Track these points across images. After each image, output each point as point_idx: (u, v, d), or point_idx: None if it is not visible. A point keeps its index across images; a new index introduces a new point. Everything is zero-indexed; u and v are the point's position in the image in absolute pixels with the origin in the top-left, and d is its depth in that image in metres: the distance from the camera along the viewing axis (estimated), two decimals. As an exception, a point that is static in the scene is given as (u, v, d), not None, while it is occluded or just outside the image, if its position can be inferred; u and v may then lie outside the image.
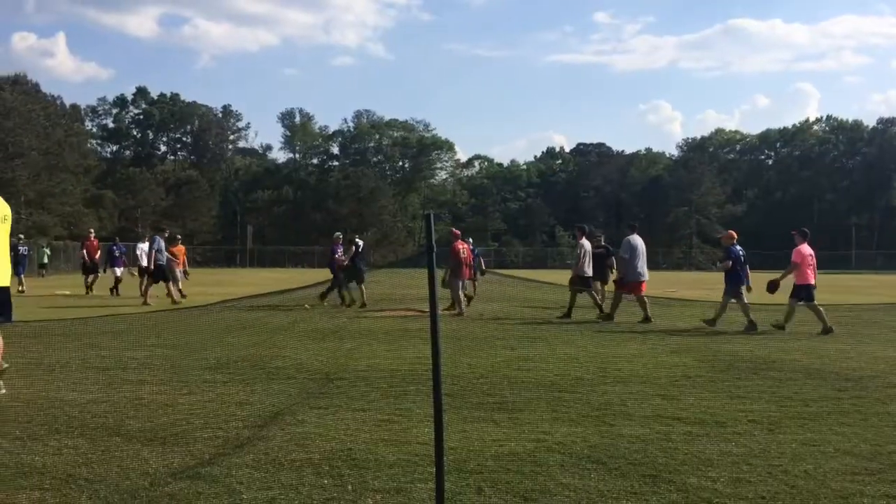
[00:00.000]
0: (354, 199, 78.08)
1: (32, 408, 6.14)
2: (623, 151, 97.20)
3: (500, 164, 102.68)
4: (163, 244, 18.59)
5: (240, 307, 16.27)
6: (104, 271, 22.72)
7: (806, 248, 13.19)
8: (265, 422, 5.74)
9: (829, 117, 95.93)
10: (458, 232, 17.08)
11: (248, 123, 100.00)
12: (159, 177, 77.84)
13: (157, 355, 9.19)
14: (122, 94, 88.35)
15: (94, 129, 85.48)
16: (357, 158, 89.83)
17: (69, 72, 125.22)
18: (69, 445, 4.99)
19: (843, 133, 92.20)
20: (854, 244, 77.32)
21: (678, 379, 7.76)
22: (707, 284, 32.95)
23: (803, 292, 12.88)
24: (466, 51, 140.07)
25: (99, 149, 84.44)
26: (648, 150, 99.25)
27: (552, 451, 4.94)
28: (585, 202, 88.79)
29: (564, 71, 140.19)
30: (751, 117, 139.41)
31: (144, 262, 19.76)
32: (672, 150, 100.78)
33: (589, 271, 15.52)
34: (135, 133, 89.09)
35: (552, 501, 4.01)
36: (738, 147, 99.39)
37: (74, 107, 74.95)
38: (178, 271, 19.26)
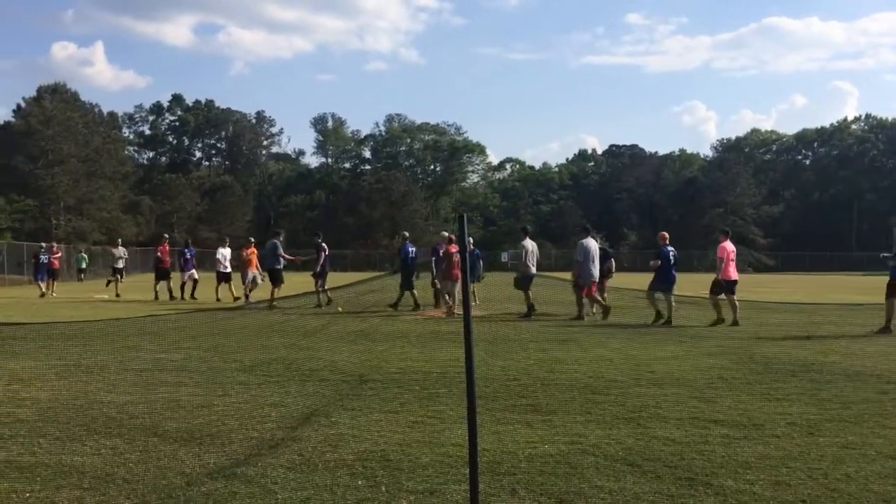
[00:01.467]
0: (386, 202, 78.46)
1: (71, 409, 6.25)
2: (657, 153, 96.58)
3: (532, 167, 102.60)
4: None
5: (282, 308, 16.46)
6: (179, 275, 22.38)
7: (729, 245, 14.06)
8: (299, 423, 5.77)
9: (868, 116, 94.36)
10: (453, 236, 16.80)
11: (282, 129, 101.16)
12: (195, 182, 79.05)
13: (193, 357, 9.30)
14: (158, 102, 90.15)
15: (132, 136, 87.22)
16: (389, 162, 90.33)
17: (108, 80, 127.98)
18: (107, 445, 5.06)
19: (882, 132, 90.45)
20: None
21: (714, 381, 7.64)
22: (742, 286, 32.53)
23: (725, 286, 13.69)
24: (498, 54, 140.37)
25: (136, 155, 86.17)
26: (682, 151, 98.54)
27: (586, 453, 4.89)
28: (618, 204, 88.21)
29: (597, 73, 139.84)
30: (788, 117, 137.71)
31: (224, 268, 20.66)
32: (707, 151, 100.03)
33: (533, 271, 16.10)
34: (171, 139, 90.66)
35: (587, 504, 3.97)
36: (774, 147, 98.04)
37: (112, 114, 76.48)
38: (254, 273, 19.98)
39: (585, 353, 9.78)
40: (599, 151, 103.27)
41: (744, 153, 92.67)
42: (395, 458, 4.77)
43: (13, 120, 61.97)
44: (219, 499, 4.02)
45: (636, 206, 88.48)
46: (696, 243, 79.53)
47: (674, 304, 14.31)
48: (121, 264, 25.37)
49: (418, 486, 4.22)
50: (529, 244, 16.00)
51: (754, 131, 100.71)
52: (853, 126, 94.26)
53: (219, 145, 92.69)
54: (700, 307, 16.40)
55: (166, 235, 24.64)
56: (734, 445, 5.10)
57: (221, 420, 5.83)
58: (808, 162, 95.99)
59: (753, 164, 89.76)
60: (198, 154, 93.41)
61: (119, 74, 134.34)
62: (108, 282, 26.25)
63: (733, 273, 13.90)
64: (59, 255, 27.69)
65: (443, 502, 3.99)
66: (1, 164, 57.27)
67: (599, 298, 15.34)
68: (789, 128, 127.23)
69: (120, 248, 25.80)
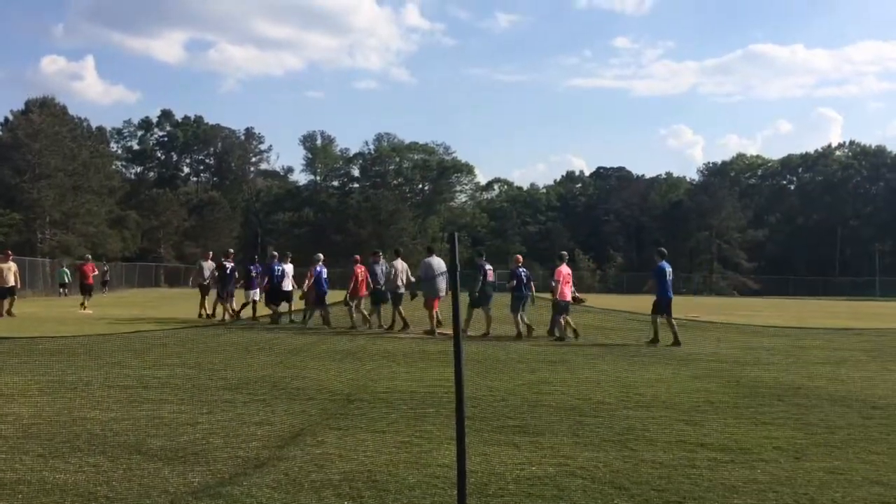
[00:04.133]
0: (374, 221, 78.40)
1: (55, 425, 6.17)
2: (643, 175, 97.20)
3: (520, 188, 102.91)
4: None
5: (262, 327, 16.37)
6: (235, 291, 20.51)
7: (565, 269, 15.48)
8: (285, 442, 5.73)
9: (851, 143, 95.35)
10: (358, 257, 18.10)
11: (271, 146, 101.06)
12: (182, 198, 78.67)
13: (178, 374, 9.22)
14: (146, 117, 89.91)
15: (119, 151, 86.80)
16: (378, 181, 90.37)
17: (98, 95, 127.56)
18: (90, 463, 5.00)
19: (866, 158, 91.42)
20: (878, 270, 76.23)
21: (701, 404, 7.66)
22: (727, 310, 32.65)
23: (561, 307, 15.14)
24: (487, 75, 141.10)
25: (124, 170, 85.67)
26: (669, 174, 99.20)
27: (574, 475, 4.88)
28: (606, 226, 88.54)
29: (584, 95, 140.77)
30: (773, 142, 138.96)
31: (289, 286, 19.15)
32: (693, 175, 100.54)
33: (401, 290, 16.62)
34: (159, 155, 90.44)
35: (574, 527, 3.95)
36: (759, 172, 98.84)
37: (100, 129, 76.07)
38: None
39: (573, 375, 9.77)
40: (587, 173, 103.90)
41: (729, 177, 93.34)
42: (381, 478, 4.74)
43: (0, 133, 61.60)
44: (203, 518, 3.97)
45: (623, 228, 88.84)
46: (682, 266, 79.98)
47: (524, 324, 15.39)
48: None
49: (405, 508, 4.18)
50: (400, 264, 16.76)
51: (740, 156, 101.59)
52: (837, 152, 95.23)
53: (207, 161, 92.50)
54: (691, 331, 16.45)
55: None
56: (721, 469, 5.10)
57: (206, 438, 5.78)
58: (792, 187, 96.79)
59: (739, 189, 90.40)
60: (186, 170, 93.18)
61: (109, 89, 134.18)
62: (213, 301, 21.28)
63: (567, 294, 15.36)
64: (95, 271, 27.54)
65: (430, 524, 3.95)
66: (-14, 177, 56.83)
67: (437, 314, 16.01)
68: (774, 153, 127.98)
69: (210, 261, 21.82)
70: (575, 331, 15.26)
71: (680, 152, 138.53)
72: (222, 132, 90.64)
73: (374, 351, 12.46)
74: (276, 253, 20.80)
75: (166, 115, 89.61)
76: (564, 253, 16.99)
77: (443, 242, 77.34)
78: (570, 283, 15.62)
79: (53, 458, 5.14)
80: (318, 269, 18.11)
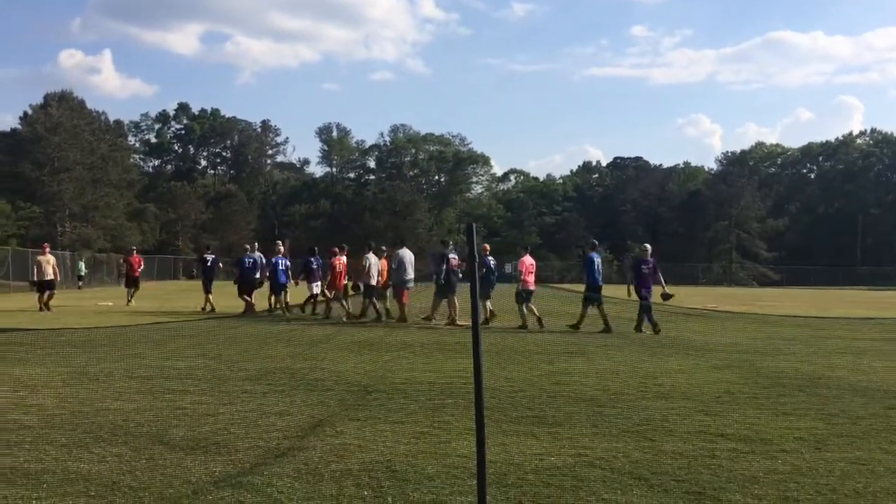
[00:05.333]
0: (390, 212, 78.57)
1: (78, 416, 6.25)
2: (661, 165, 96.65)
3: (536, 178, 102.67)
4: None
5: (280, 319, 16.46)
6: (296, 284, 19.90)
7: (528, 259, 16.04)
8: (305, 432, 5.76)
9: (873, 130, 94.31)
10: (337, 249, 18.77)
11: (287, 138, 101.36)
12: (199, 191, 79.28)
13: (199, 366, 9.30)
14: (164, 110, 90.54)
15: (137, 144, 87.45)
16: (393, 172, 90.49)
17: (115, 88, 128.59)
18: (113, 453, 5.06)
19: (887, 146, 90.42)
20: (900, 259, 75.48)
21: (721, 395, 7.62)
22: (747, 300, 32.46)
23: (524, 296, 15.68)
24: (503, 65, 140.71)
25: (141, 163, 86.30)
26: (687, 163, 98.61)
27: (593, 466, 4.88)
28: (623, 216, 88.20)
29: (601, 84, 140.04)
30: (793, 130, 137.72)
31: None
32: (711, 164, 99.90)
33: (373, 281, 17.02)
34: (176, 148, 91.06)
35: (594, 517, 3.95)
36: (779, 161, 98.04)
37: (118, 122, 76.79)
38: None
39: (592, 365, 9.76)
40: (604, 163, 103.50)
41: (748, 166, 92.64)
42: (400, 468, 4.76)
43: (20, 127, 62.23)
44: (225, 508, 4.00)
45: (641, 219, 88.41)
46: (700, 256, 79.52)
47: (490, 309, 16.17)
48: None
49: (424, 497, 4.20)
50: (373, 257, 17.22)
51: (759, 145, 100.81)
52: (858, 140, 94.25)
53: (224, 154, 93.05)
54: (708, 321, 16.39)
55: (279, 242, 20.56)
56: (742, 460, 5.07)
57: (227, 429, 5.82)
58: (812, 176, 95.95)
59: (758, 178, 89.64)
60: (203, 162, 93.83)
61: (126, 82, 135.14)
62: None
63: (531, 283, 15.90)
64: (142, 264, 25.87)
65: (450, 514, 3.96)
66: (7, 171, 57.46)
67: (405, 305, 16.61)
68: (794, 141, 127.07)
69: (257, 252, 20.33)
70: (539, 319, 15.59)
71: (698, 141, 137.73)
72: (239, 125, 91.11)
73: (392, 342, 12.50)
74: (248, 246, 21.50)
75: (183, 108, 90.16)
76: (528, 245, 18.10)
77: (459, 234, 77.43)
78: (534, 273, 16.18)
79: (77, 448, 5.20)
80: (276, 259, 18.82)
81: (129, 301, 22.59)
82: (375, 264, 17.21)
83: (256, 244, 21.27)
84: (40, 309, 19.28)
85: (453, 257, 16.48)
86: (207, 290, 20.27)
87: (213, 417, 6.24)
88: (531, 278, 15.88)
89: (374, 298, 17.18)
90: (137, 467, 4.73)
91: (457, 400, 7.08)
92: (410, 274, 16.78)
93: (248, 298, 18.75)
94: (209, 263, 20.93)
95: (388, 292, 17.69)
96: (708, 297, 35.98)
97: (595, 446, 5.38)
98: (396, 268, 16.68)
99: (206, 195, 79.63)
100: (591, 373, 9.08)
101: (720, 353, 11.33)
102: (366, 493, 4.28)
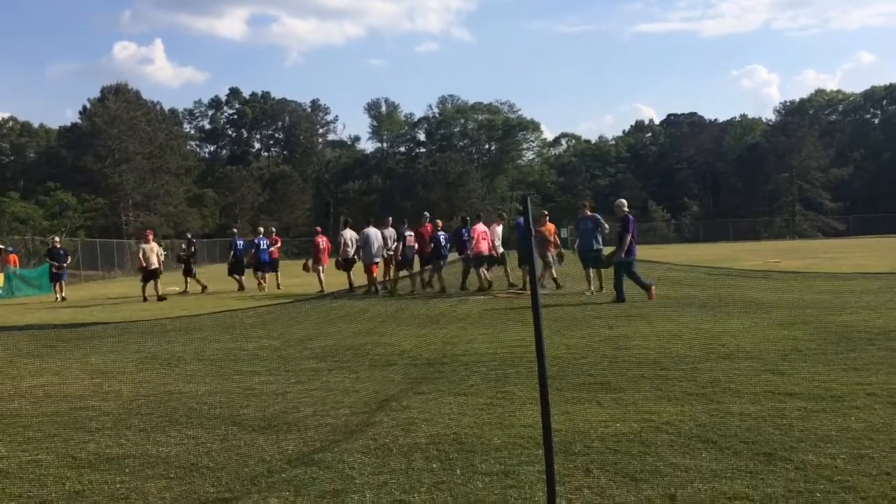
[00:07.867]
0: (443, 184, 78.49)
1: (153, 401, 6.48)
2: (717, 120, 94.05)
3: (588, 141, 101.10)
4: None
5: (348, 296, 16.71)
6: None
7: (481, 227, 17.12)
8: (371, 408, 5.87)
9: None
10: (319, 228, 21.80)
11: (336, 116, 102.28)
12: (255, 173, 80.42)
13: (265, 346, 9.53)
14: (216, 96, 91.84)
15: (192, 131, 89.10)
16: (443, 144, 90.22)
17: (168, 77, 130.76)
18: (189, 435, 5.24)
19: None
20: (974, 203, 72.23)
21: (788, 353, 7.47)
22: (810, 253, 31.59)
23: (477, 262, 16.82)
24: (549, 28, 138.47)
25: (198, 150, 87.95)
26: (744, 116, 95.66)
27: (660, 430, 4.86)
28: (679, 174, 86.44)
29: (650, 41, 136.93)
30: (854, 75, 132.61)
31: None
32: (769, 115, 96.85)
33: (352, 255, 18.38)
34: (230, 132, 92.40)
35: (663, 482, 3.94)
36: (840, 107, 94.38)
37: (173, 111, 78.35)
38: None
39: (653, 329, 9.66)
40: (657, 122, 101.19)
41: (808, 115, 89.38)
42: (467, 440, 4.82)
43: (80, 122, 64.03)
44: (300, 485, 4.13)
45: (697, 176, 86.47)
46: (760, 210, 77.54)
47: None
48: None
49: (492, 468, 4.25)
50: (348, 233, 18.67)
51: (819, 92, 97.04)
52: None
53: (276, 136, 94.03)
54: (774, 280, 16.02)
55: (427, 215, 19.06)
56: (812, 419, 4.99)
57: (296, 407, 5.97)
58: (877, 121, 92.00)
59: (819, 127, 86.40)
60: (256, 145, 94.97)
61: (179, 71, 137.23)
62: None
63: (483, 248, 16.85)
64: (279, 243, 22.46)
65: (517, 483, 4.01)
66: (71, 165, 59.31)
67: (374, 279, 17.68)
68: (856, 86, 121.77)
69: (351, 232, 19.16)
70: (490, 283, 16.75)
71: (754, 93, 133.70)
72: (289, 106, 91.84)
73: (451, 315, 12.58)
74: (261, 229, 22.67)
75: (234, 93, 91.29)
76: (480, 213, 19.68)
77: (512, 202, 77.03)
78: (488, 240, 17.04)
79: (154, 431, 5.40)
80: (257, 240, 21.31)
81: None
82: (352, 240, 18.54)
83: (261, 229, 22.69)
84: (144, 299, 18.69)
85: (409, 234, 18.03)
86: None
87: (281, 397, 6.40)
88: (484, 245, 16.87)
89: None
90: (213, 448, 4.90)
91: (519, 369, 7.11)
92: (375, 249, 17.68)
93: (238, 277, 21.46)
94: (193, 249, 23.14)
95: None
96: (772, 251, 35.12)
97: (660, 410, 5.36)
98: (363, 245, 17.83)
99: (261, 177, 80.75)
100: (651, 336, 9.00)
101: (785, 310, 11.08)
102: (434, 465, 4.36)
